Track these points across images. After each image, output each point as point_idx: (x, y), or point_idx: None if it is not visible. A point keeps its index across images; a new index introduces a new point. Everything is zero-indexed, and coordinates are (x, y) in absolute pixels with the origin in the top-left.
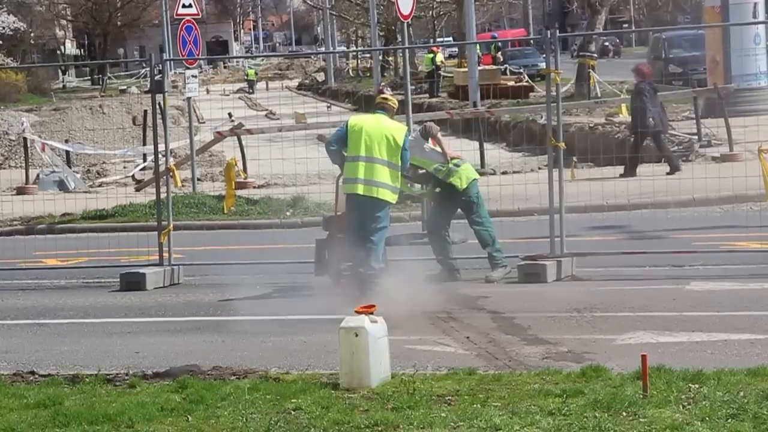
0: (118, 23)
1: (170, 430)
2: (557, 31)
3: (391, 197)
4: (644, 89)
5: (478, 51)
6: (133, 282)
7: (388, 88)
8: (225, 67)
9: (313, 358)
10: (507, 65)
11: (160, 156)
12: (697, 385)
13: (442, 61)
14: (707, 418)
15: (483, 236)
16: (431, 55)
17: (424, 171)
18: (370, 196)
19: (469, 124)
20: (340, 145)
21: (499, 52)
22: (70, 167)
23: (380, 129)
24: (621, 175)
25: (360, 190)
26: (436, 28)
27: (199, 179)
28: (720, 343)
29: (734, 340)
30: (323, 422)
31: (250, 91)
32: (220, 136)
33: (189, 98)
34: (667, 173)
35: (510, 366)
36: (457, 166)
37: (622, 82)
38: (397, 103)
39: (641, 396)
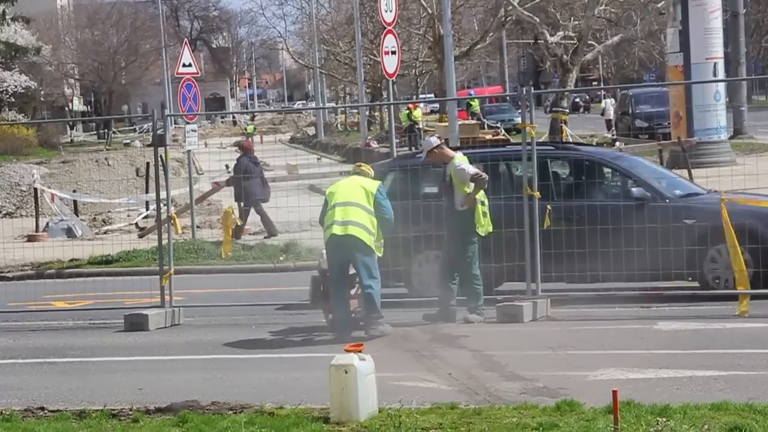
0: (123, 81)
1: None
2: (532, 88)
3: (366, 238)
4: (245, 163)
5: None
6: (136, 323)
7: (375, 141)
8: (222, 122)
9: (305, 393)
10: (485, 120)
11: (161, 205)
12: (664, 419)
13: (417, 117)
14: None
15: (473, 293)
16: (407, 111)
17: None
18: (345, 234)
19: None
20: (325, 214)
21: (475, 101)
22: (77, 216)
23: (355, 181)
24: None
25: (336, 230)
26: (418, 85)
27: (198, 226)
28: (685, 379)
29: (699, 376)
30: None
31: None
32: (217, 186)
33: (189, 151)
34: (265, 237)
35: (489, 401)
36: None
37: (592, 135)
38: (372, 170)
39: (612, 429)
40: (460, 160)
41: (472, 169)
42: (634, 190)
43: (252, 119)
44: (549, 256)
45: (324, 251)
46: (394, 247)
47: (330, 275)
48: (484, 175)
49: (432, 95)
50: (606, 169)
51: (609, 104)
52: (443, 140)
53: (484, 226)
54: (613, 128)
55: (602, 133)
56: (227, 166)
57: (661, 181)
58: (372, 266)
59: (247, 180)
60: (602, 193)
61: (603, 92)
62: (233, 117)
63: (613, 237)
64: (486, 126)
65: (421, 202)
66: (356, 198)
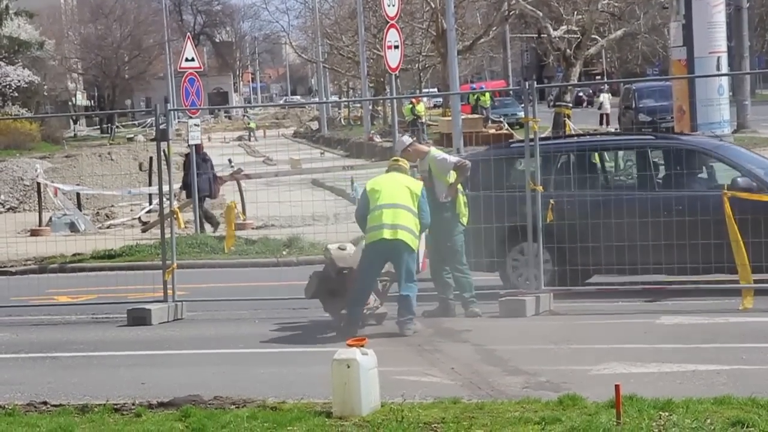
0: (126, 76)
1: None
2: (535, 82)
3: (413, 242)
4: (193, 160)
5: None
6: (139, 317)
7: (378, 136)
8: (225, 117)
9: (308, 388)
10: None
11: (164, 199)
12: (667, 413)
13: (419, 111)
14: None
15: (463, 283)
16: (410, 106)
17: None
18: (396, 239)
19: None
20: (366, 210)
21: (486, 95)
22: (80, 210)
23: (399, 181)
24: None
25: (386, 234)
26: (422, 79)
27: (201, 221)
28: (688, 373)
29: (702, 370)
30: None
31: (254, 138)
32: (220, 181)
33: (192, 145)
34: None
35: (492, 395)
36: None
37: (595, 129)
38: (408, 163)
39: (615, 423)
40: (436, 152)
41: (453, 158)
42: (739, 180)
43: (244, 113)
44: (647, 248)
45: (330, 246)
46: (489, 238)
47: (364, 274)
48: (467, 163)
49: (435, 89)
50: (708, 159)
51: (606, 98)
52: (414, 138)
53: (466, 215)
54: (614, 122)
55: (603, 127)
56: (230, 161)
57: (765, 171)
58: (413, 271)
59: (197, 176)
60: (705, 184)
61: (606, 86)
62: (227, 112)
63: (717, 228)
64: (490, 120)
65: (517, 192)
66: (403, 200)
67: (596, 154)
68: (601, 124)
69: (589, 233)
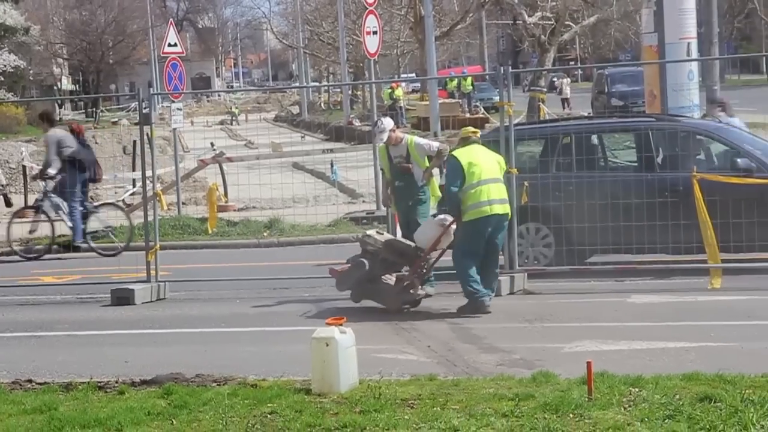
0: (110, 61)
1: None
2: (510, 67)
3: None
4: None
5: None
6: (122, 297)
7: (357, 120)
8: (208, 101)
9: (287, 366)
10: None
11: (147, 182)
12: (637, 389)
13: (398, 95)
14: (646, 419)
15: None
16: (389, 90)
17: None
18: (504, 213)
19: None
20: (462, 185)
21: (467, 80)
22: None
23: (489, 155)
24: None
25: (498, 209)
26: (400, 65)
27: (183, 203)
28: (658, 350)
29: (671, 347)
30: (297, 425)
31: (237, 123)
32: (203, 164)
33: (174, 129)
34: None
35: (467, 372)
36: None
37: (569, 113)
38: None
39: (586, 399)
40: (416, 137)
41: (435, 144)
42: (739, 161)
43: (207, 100)
44: (643, 228)
45: (369, 231)
46: None
47: (473, 249)
48: (447, 147)
49: (413, 74)
50: (708, 141)
51: (565, 83)
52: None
53: (436, 195)
54: (579, 107)
55: (579, 111)
56: (212, 144)
57: (763, 152)
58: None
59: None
60: (706, 165)
61: (574, 71)
62: (202, 95)
63: (720, 209)
64: (473, 106)
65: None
66: (498, 174)
67: (597, 136)
68: (563, 108)
69: (589, 214)
